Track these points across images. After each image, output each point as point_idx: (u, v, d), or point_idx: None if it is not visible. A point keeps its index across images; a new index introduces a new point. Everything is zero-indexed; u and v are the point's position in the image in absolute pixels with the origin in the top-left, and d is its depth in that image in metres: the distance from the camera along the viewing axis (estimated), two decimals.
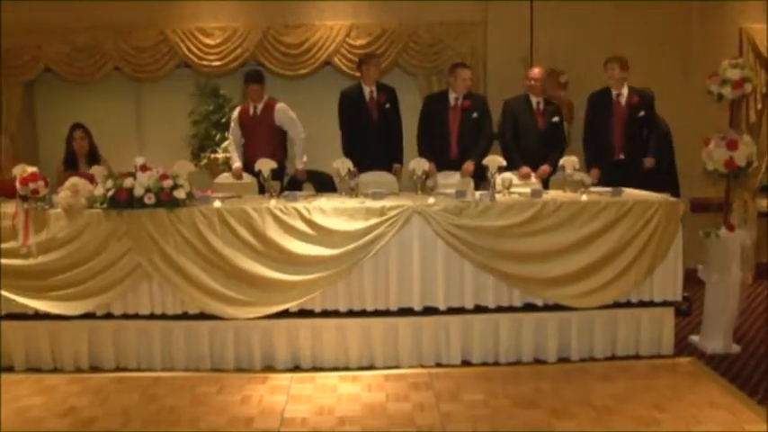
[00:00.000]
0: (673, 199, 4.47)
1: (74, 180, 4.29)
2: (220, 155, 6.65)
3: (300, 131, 5.75)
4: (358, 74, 5.95)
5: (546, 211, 4.29)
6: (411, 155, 5.38)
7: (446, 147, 5.54)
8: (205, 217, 4.22)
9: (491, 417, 3.57)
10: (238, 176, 5.60)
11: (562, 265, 4.29)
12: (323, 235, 4.21)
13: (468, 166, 5.36)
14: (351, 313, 4.30)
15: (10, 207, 4.29)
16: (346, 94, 5.78)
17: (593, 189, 4.71)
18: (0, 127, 6.68)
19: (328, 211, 4.25)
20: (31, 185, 4.22)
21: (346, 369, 4.27)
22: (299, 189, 5.33)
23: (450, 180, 5.28)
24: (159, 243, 4.19)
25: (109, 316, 4.29)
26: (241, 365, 4.31)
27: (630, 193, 4.62)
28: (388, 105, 5.71)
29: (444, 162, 5.43)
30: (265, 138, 5.67)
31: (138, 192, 4.16)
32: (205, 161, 6.73)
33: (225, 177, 5.69)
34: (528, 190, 4.63)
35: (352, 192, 4.65)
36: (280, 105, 5.71)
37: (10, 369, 4.30)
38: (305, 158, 5.76)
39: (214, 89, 6.90)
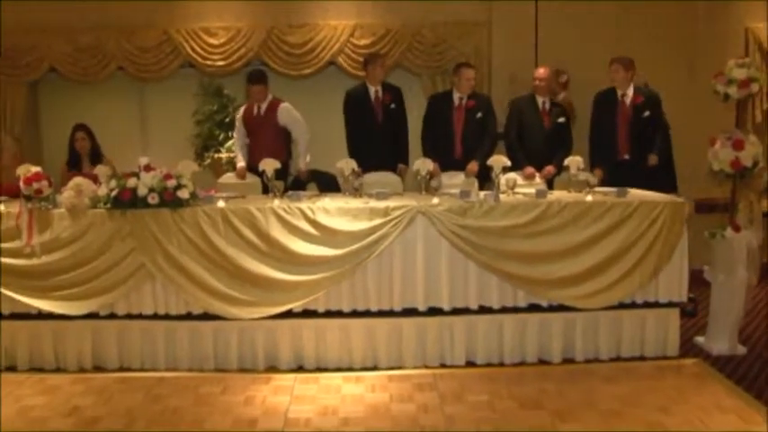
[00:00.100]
0: (678, 199, 4.45)
1: (77, 180, 4.29)
2: (224, 155, 6.66)
3: (304, 131, 5.72)
4: (362, 74, 5.94)
5: (551, 211, 4.27)
6: (415, 155, 5.37)
7: (450, 147, 5.53)
8: (209, 217, 4.21)
9: (495, 418, 3.55)
10: (242, 176, 5.59)
11: (567, 265, 4.27)
12: (327, 235, 4.20)
13: (473, 166, 5.35)
14: (354, 314, 4.28)
15: (14, 207, 4.30)
16: (352, 93, 5.76)
17: (598, 189, 4.69)
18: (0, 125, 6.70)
19: (332, 211, 4.24)
20: (35, 185, 4.22)
21: (350, 369, 4.26)
22: (303, 189, 5.33)
23: (455, 180, 5.27)
24: (163, 243, 4.18)
25: (112, 316, 4.29)
26: (245, 366, 4.30)
27: (636, 193, 4.60)
28: (393, 106, 5.70)
29: (448, 162, 5.42)
30: (269, 138, 5.66)
31: (142, 192, 4.15)
32: (209, 161, 6.74)
33: (228, 177, 5.69)
34: (532, 190, 4.61)
35: (356, 192, 4.64)
36: (284, 105, 5.70)
37: (13, 369, 4.31)
38: (308, 159, 5.75)
39: (218, 89, 6.90)
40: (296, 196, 4.48)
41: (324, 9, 6.66)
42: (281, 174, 4.92)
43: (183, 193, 4.21)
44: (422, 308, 4.27)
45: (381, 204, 4.27)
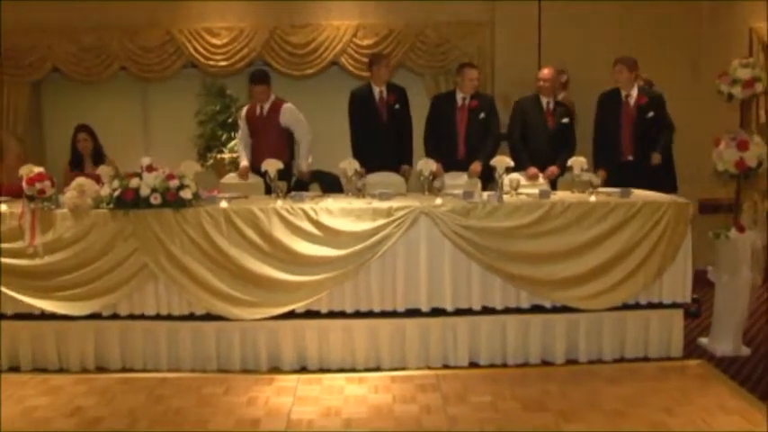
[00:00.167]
0: (682, 200, 4.44)
1: (80, 180, 4.29)
2: (227, 155, 6.65)
3: (307, 132, 5.71)
4: (364, 74, 5.93)
5: (554, 212, 4.26)
6: (419, 155, 5.36)
7: (453, 147, 5.52)
8: (211, 217, 4.21)
9: (499, 419, 3.55)
10: (244, 176, 5.58)
11: (570, 266, 4.26)
12: (330, 236, 4.20)
13: (476, 166, 5.34)
14: (357, 314, 4.28)
15: (17, 207, 4.30)
16: (356, 93, 5.75)
17: (601, 190, 4.68)
18: (0, 124, 6.70)
19: (335, 211, 4.24)
20: (38, 185, 4.22)
21: (353, 370, 4.25)
22: (306, 189, 5.32)
23: (458, 181, 5.25)
24: (165, 243, 4.18)
25: (115, 316, 4.29)
26: (247, 366, 4.29)
27: (639, 194, 4.59)
28: (397, 106, 5.68)
29: (452, 163, 5.41)
30: (272, 138, 5.65)
31: (145, 192, 4.15)
32: (211, 161, 6.73)
33: (231, 177, 5.68)
34: (536, 191, 4.60)
35: (360, 192, 4.64)
36: (286, 106, 5.69)
37: (16, 369, 4.31)
38: (310, 159, 5.74)
39: (220, 89, 6.90)
40: (299, 197, 4.47)
41: (326, 9, 6.65)
42: (283, 174, 4.90)
43: (186, 194, 4.21)
44: (425, 308, 4.26)
45: (384, 205, 4.26)
